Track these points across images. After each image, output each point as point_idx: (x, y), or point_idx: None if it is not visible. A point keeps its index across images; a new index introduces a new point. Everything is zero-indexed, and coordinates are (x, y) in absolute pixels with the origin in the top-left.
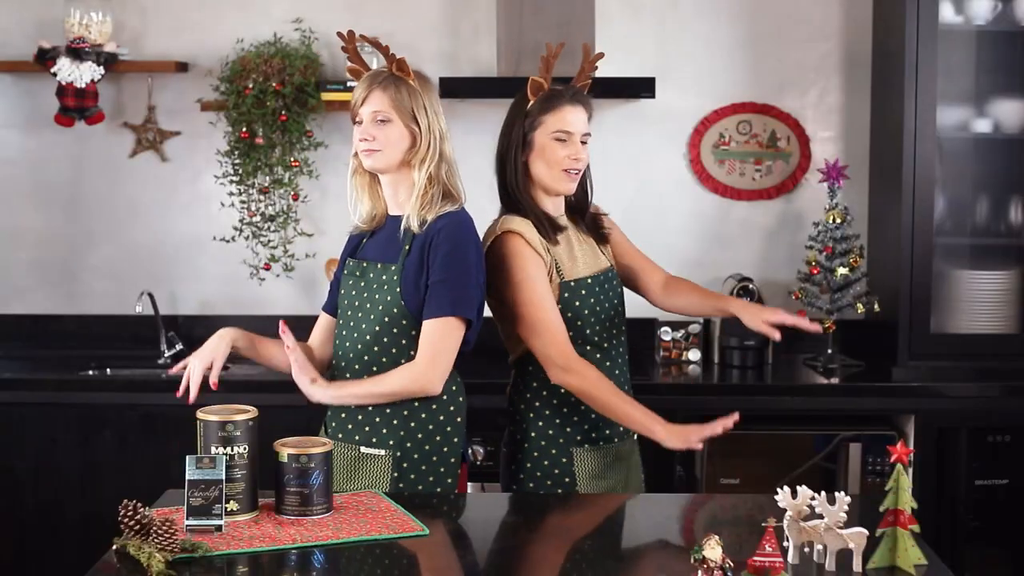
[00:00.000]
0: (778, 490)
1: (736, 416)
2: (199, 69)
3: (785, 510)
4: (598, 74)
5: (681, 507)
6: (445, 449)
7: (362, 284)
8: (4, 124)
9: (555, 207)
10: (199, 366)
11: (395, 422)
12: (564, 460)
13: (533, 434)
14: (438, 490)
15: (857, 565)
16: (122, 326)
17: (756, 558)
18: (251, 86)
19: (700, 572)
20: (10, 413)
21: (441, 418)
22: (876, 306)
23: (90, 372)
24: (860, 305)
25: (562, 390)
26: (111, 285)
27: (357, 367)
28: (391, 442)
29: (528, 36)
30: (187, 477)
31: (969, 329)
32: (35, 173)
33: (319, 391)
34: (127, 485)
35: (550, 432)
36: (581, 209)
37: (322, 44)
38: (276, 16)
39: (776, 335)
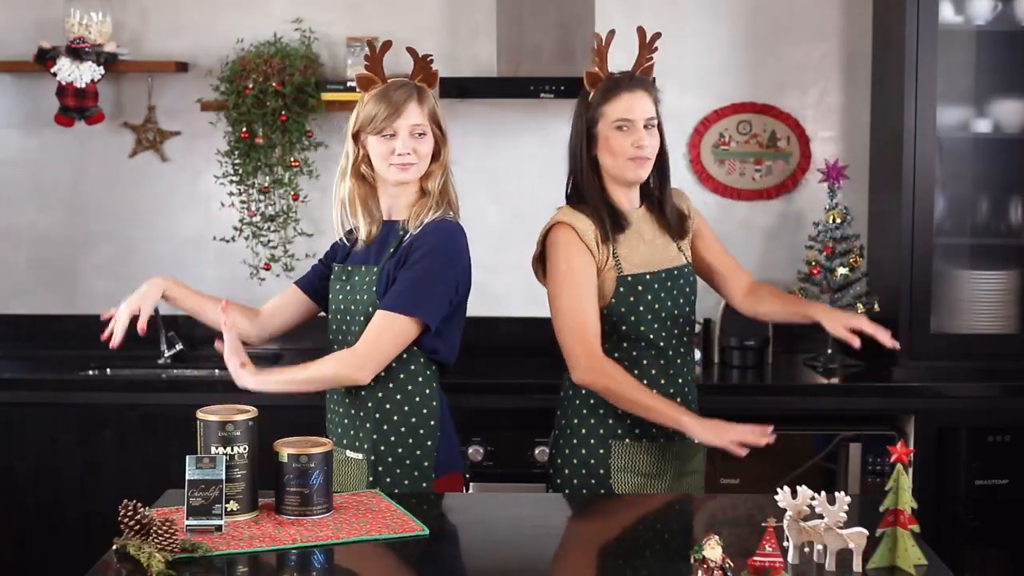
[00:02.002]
0: (778, 490)
1: (771, 434)
2: (199, 69)
3: (785, 510)
4: None
5: (681, 507)
6: (418, 453)
7: (348, 288)
8: (4, 124)
9: (629, 199)
10: (126, 311)
11: (368, 425)
12: (601, 451)
13: (576, 421)
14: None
15: (857, 565)
16: None
17: (756, 558)
18: (251, 86)
19: (700, 572)
20: (10, 413)
21: (413, 420)
22: (876, 306)
23: (90, 372)
24: (860, 305)
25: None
26: (111, 285)
27: None
28: (366, 445)
29: (528, 36)
30: (187, 477)
31: (969, 329)
32: (35, 173)
33: (247, 377)
34: (127, 485)
35: (591, 421)
36: (659, 199)
37: (322, 44)
38: (276, 16)
39: (856, 342)
